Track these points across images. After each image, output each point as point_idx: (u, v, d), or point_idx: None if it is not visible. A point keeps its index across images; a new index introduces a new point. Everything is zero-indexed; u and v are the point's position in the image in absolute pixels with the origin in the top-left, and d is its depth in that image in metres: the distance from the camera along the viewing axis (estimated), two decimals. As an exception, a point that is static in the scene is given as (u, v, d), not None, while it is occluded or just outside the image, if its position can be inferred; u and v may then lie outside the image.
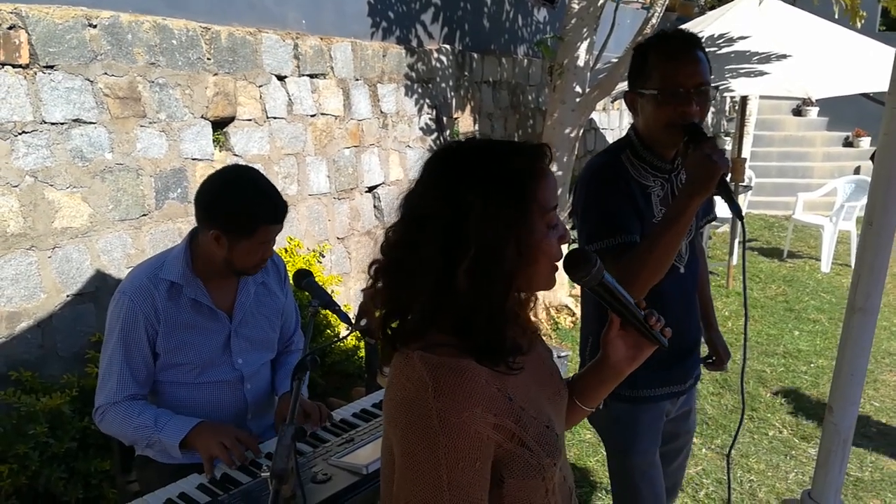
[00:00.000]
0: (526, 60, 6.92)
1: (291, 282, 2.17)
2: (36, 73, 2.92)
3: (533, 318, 1.24)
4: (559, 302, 5.44)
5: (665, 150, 1.88)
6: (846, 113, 10.78)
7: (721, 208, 7.00)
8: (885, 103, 1.34)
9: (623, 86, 5.15)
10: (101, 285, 3.12)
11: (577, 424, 1.40)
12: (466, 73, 5.98)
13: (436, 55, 5.58)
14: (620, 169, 1.88)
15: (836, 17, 5.64)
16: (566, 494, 1.22)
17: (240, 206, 1.91)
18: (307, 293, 2.05)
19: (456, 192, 1.06)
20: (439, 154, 1.14)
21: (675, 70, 1.76)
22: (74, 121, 3.05)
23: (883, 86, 1.38)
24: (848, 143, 11.24)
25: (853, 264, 1.58)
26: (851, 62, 5.27)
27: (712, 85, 1.82)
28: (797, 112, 11.81)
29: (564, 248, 1.16)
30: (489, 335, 1.07)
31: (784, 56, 5.16)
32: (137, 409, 1.96)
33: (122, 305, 1.95)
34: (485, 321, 1.06)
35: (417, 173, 1.14)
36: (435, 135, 5.60)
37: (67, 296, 3.03)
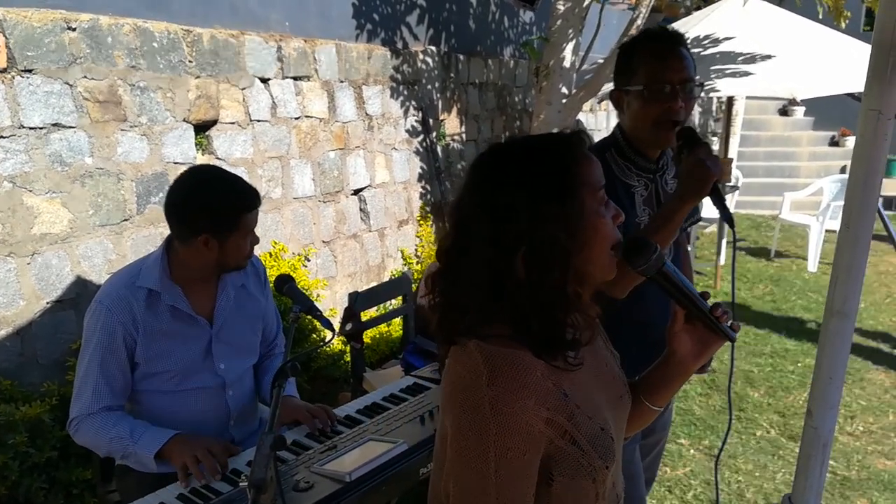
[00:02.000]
0: (512, 62, 6.91)
1: (273, 287, 2.14)
2: (14, 78, 2.88)
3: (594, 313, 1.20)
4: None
5: (650, 149, 1.88)
6: (832, 112, 10.84)
7: (708, 209, 7.02)
8: (860, 106, 1.34)
9: (609, 86, 5.15)
10: (81, 292, 3.08)
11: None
12: (452, 75, 5.96)
13: (421, 57, 5.56)
14: (605, 168, 1.87)
15: (821, 17, 5.67)
16: (613, 501, 1.21)
17: (218, 204, 1.91)
18: (289, 298, 2.03)
19: (497, 194, 1.07)
20: (480, 158, 1.15)
21: (661, 67, 1.77)
22: (53, 125, 3.01)
23: (865, 86, 1.38)
24: (834, 143, 11.31)
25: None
26: (836, 62, 5.29)
27: (698, 83, 1.83)
28: (783, 112, 11.88)
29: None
30: (547, 325, 1.07)
31: (769, 56, 5.18)
32: (113, 420, 1.93)
33: (99, 315, 1.92)
34: (543, 310, 1.07)
35: (463, 178, 1.15)
36: (421, 137, 5.58)
37: (47, 303, 2.99)
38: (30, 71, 2.92)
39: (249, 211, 1.96)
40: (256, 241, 2.04)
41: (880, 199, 1.99)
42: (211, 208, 1.91)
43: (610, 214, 1.12)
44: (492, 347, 1.04)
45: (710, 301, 1.21)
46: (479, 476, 1.03)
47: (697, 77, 1.85)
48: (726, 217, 1.71)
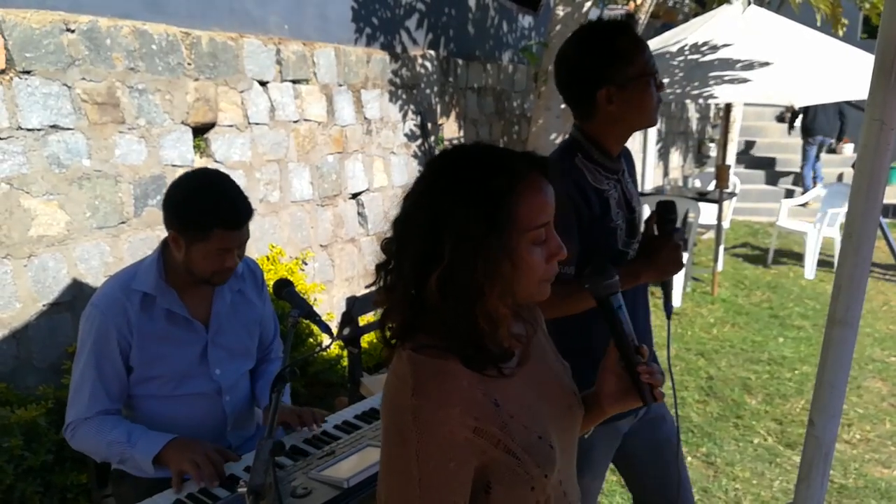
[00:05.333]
0: (511, 67, 6.91)
1: (271, 292, 2.12)
2: (12, 79, 2.87)
3: (523, 328, 1.21)
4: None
5: (614, 146, 1.86)
6: (829, 120, 10.85)
7: (705, 215, 6.97)
8: (864, 114, 1.34)
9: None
10: (78, 294, 3.06)
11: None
12: (451, 79, 5.96)
13: (420, 61, 5.56)
14: (577, 177, 1.82)
15: (818, 25, 5.69)
16: None
17: (196, 206, 1.86)
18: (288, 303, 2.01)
19: (437, 201, 1.07)
20: (437, 158, 1.15)
21: (647, 54, 1.81)
22: (51, 127, 3.00)
23: (864, 94, 1.38)
24: (831, 150, 11.34)
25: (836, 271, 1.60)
26: (833, 70, 5.30)
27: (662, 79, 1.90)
28: (781, 119, 11.92)
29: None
30: (468, 340, 1.08)
31: (767, 63, 5.19)
32: (110, 424, 1.92)
33: (95, 318, 1.91)
34: (460, 327, 1.07)
35: (420, 173, 1.16)
36: (419, 141, 5.57)
37: (43, 305, 2.97)
38: (28, 72, 2.91)
39: (227, 228, 1.85)
40: (232, 264, 1.93)
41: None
42: (189, 208, 1.87)
43: (545, 252, 1.11)
44: (421, 357, 1.06)
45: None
46: (404, 484, 1.05)
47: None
48: (668, 309, 1.76)
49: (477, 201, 1.06)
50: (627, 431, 2.01)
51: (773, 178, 11.09)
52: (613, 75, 1.78)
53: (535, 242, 1.09)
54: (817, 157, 10.21)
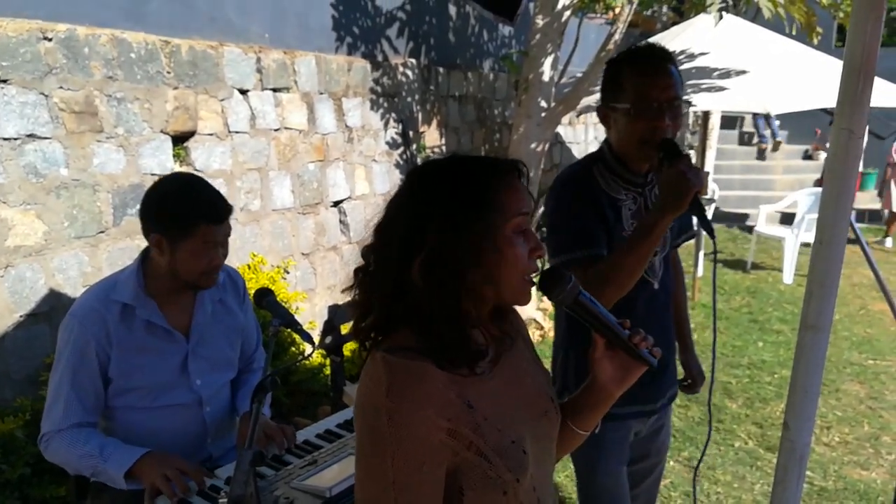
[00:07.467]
0: (492, 75, 6.95)
1: (252, 301, 2.11)
2: (-12, 88, 2.84)
3: (499, 330, 1.23)
4: (527, 316, 5.45)
5: (638, 164, 1.87)
6: (805, 127, 11.03)
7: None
8: (833, 123, 1.37)
9: (588, 100, 5.20)
10: (55, 305, 3.03)
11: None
12: (432, 88, 5.98)
13: (401, 69, 5.58)
14: (590, 181, 1.87)
15: (794, 33, 5.77)
16: None
17: (179, 204, 1.87)
18: (269, 312, 2.00)
19: (416, 201, 1.12)
20: (413, 169, 1.20)
21: (648, 84, 1.76)
22: (28, 136, 2.97)
23: (838, 102, 1.42)
24: (807, 156, 11.50)
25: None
26: (809, 78, 5.38)
27: (684, 101, 1.82)
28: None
29: (539, 263, 1.17)
30: (447, 333, 1.09)
31: (743, 72, 5.26)
32: (83, 437, 1.89)
33: (72, 329, 1.88)
34: (440, 318, 1.09)
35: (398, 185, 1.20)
36: (401, 149, 5.58)
37: (20, 316, 2.93)
38: (4, 81, 2.89)
39: (211, 222, 1.86)
40: (218, 261, 1.93)
41: (853, 213, 2.04)
42: (170, 208, 1.87)
43: (528, 246, 1.13)
44: (395, 359, 1.06)
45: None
46: (379, 486, 1.05)
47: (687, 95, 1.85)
48: (707, 229, 1.71)
49: (460, 191, 1.10)
50: (633, 441, 2.05)
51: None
52: (608, 97, 1.85)
53: (517, 231, 1.12)
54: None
